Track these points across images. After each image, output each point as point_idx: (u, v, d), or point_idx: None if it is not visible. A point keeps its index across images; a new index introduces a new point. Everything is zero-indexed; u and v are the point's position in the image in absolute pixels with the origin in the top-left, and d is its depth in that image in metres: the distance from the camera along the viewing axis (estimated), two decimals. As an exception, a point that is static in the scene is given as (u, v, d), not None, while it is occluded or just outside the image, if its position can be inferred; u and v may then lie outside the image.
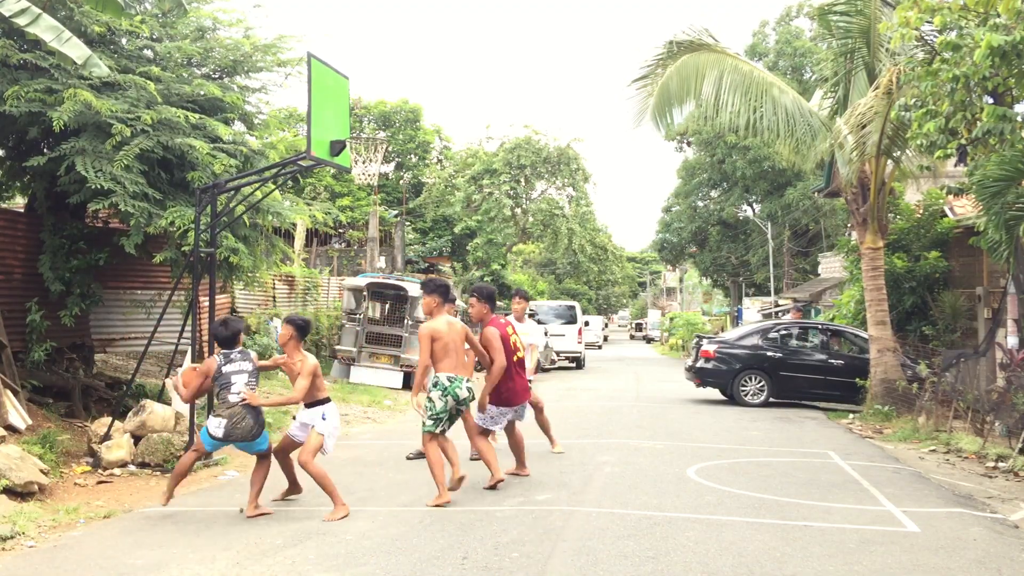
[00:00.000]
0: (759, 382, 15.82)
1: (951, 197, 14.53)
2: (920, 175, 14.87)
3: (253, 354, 6.92)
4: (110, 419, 8.70)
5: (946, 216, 16.23)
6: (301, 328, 6.85)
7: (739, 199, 43.49)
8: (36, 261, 9.92)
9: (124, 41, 10.04)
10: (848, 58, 14.32)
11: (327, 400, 6.94)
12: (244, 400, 6.55)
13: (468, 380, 7.26)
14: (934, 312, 15.49)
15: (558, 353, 27.62)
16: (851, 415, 14.12)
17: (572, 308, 29.62)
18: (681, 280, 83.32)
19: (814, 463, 9.42)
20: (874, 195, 14.14)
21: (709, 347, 16.51)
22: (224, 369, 6.61)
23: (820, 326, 17.43)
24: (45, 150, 9.47)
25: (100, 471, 8.20)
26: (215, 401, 7.09)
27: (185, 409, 8.82)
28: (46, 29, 7.16)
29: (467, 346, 7.44)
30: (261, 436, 6.73)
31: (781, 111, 14.01)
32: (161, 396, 9.81)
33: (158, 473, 8.34)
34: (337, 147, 8.83)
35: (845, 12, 13.96)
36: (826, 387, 15.67)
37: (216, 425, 6.53)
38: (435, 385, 7.12)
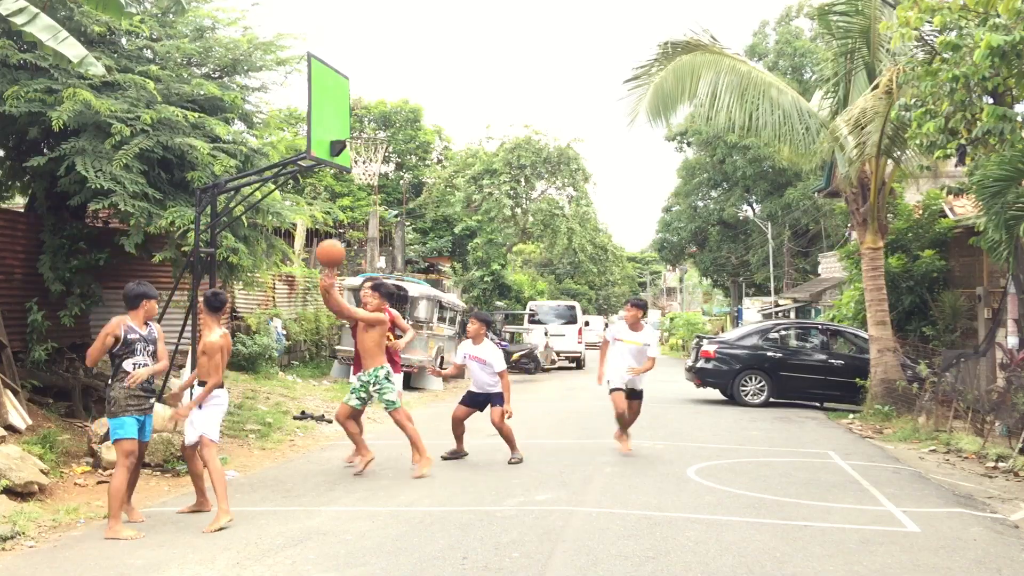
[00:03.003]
0: (759, 382, 15.82)
1: (951, 197, 14.55)
2: (920, 175, 14.90)
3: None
4: (110, 419, 8.68)
5: (946, 216, 16.24)
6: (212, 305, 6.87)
7: (739, 199, 43.48)
8: (36, 261, 9.91)
9: (124, 41, 10.03)
10: (848, 58, 14.32)
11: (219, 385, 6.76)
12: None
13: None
14: (934, 312, 15.49)
15: (558, 353, 27.61)
16: (851, 415, 14.11)
17: (572, 308, 29.61)
18: (681, 280, 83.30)
19: (814, 463, 9.43)
20: (874, 195, 14.14)
21: (709, 347, 16.51)
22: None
23: (820, 326, 17.43)
24: (45, 150, 9.46)
25: (100, 471, 8.20)
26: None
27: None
28: (43, 28, 7.14)
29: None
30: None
31: (779, 112, 13.99)
32: (161, 396, 9.80)
33: (158, 473, 8.35)
34: (337, 147, 8.83)
35: (845, 12, 13.96)
36: (826, 387, 15.67)
37: None
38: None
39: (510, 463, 8.86)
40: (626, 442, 9.82)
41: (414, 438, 8.33)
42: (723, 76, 14.03)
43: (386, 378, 8.31)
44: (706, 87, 14.02)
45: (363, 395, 8.37)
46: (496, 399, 9.10)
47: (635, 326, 9.73)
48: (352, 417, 8.44)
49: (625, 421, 9.74)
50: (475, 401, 9.22)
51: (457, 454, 9.28)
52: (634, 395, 9.77)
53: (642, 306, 9.96)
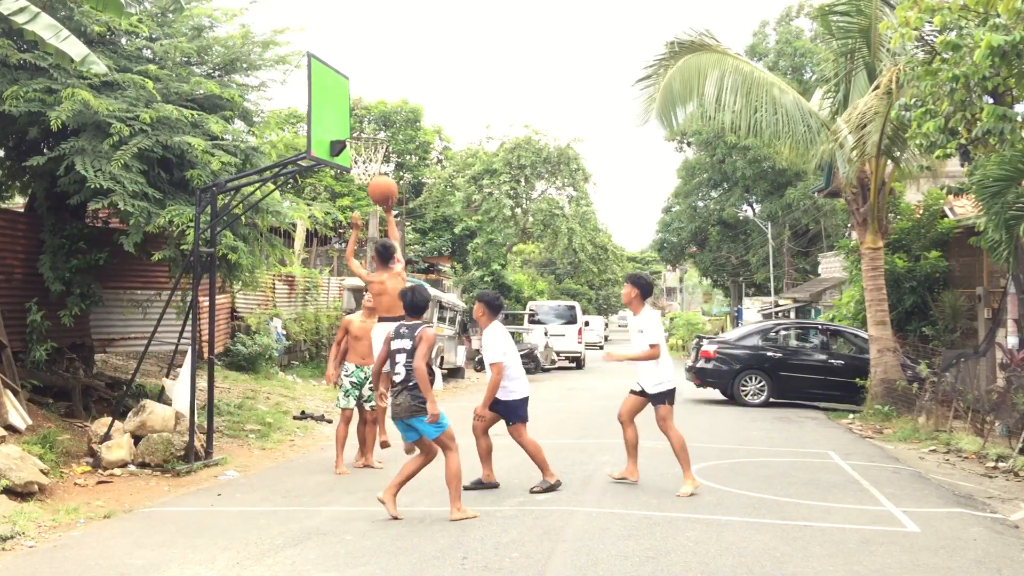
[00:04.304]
0: (759, 382, 15.82)
1: (951, 197, 14.55)
2: (920, 175, 14.90)
3: (424, 331, 6.44)
4: (110, 419, 8.69)
5: (946, 216, 16.24)
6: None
7: (739, 199, 43.44)
8: (36, 261, 9.91)
9: (124, 41, 10.03)
10: (848, 58, 14.32)
11: None
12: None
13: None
14: (934, 312, 15.49)
15: (558, 353, 27.63)
16: (851, 415, 14.11)
17: (572, 308, 29.63)
18: (681, 280, 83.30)
19: (814, 463, 9.42)
20: (874, 195, 14.14)
21: (709, 347, 16.51)
22: (392, 344, 6.52)
23: (820, 326, 17.43)
24: (45, 150, 9.46)
25: (100, 471, 8.20)
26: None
27: (185, 409, 8.81)
28: (44, 27, 7.15)
29: None
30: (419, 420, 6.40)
31: (782, 111, 14.00)
32: (161, 396, 9.80)
33: (158, 473, 8.33)
34: (337, 147, 8.83)
35: (845, 12, 13.96)
36: (826, 387, 15.67)
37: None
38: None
39: (532, 491, 7.40)
40: (629, 467, 8.03)
41: (368, 441, 8.83)
42: (727, 76, 14.05)
43: None
44: (712, 87, 14.04)
45: (358, 393, 8.68)
46: (511, 413, 7.48)
47: (633, 307, 7.78)
48: (350, 420, 8.79)
49: (627, 438, 7.99)
50: (494, 407, 7.55)
51: (482, 483, 7.59)
52: (645, 396, 7.78)
53: (637, 282, 7.80)
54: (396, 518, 6.43)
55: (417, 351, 6.37)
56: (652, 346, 7.56)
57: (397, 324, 6.66)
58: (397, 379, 6.43)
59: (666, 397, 7.70)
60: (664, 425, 7.71)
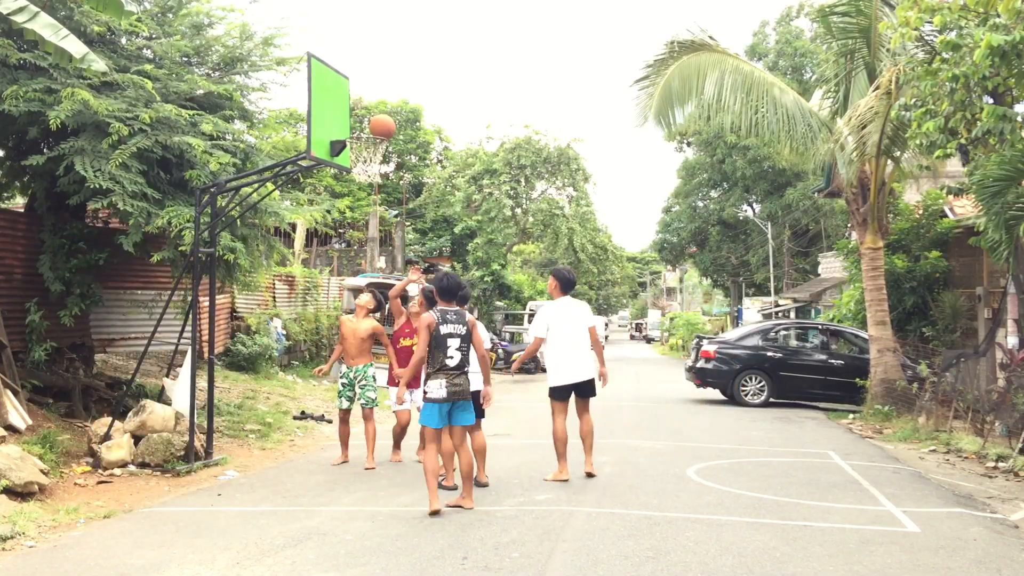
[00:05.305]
0: (759, 382, 15.82)
1: (951, 197, 14.55)
2: (920, 175, 14.89)
3: (470, 318, 6.81)
4: (110, 419, 8.69)
5: (946, 216, 16.24)
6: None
7: (739, 199, 43.46)
8: (36, 261, 9.91)
9: (123, 40, 10.02)
10: (848, 58, 14.32)
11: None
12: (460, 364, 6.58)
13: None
14: (934, 312, 15.49)
15: None
16: (851, 415, 14.11)
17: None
18: (681, 280, 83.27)
19: (814, 463, 9.42)
20: (874, 195, 14.14)
21: (709, 347, 16.52)
22: (441, 329, 6.55)
23: (820, 326, 17.42)
24: (45, 150, 9.45)
25: (100, 471, 8.20)
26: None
27: (185, 409, 8.81)
28: (44, 26, 7.15)
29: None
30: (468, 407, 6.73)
31: (782, 111, 14.01)
32: (161, 396, 9.81)
33: (158, 473, 8.33)
34: (337, 147, 8.84)
35: (845, 13, 13.96)
36: (826, 387, 15.67)
37: (437, 386, 6.53)
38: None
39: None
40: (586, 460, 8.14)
41: (369, 438, 8.91)
42: (727, 76, 14.06)
43: (373, 377, 8.94)
44: (712, 87, 14.05)
45: (350, 393, 8.89)
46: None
47: (553, 296, 8.37)
48: (349, 420, 9.06)
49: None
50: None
51: (476, 482, 7.50)
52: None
53: (557, 275, 8.27)
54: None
55: (475, 340, 6.74)
56: (536, 339, 8.16)
57: (440, 310, 6.68)
58: (451, 363, 6.53)
59: (551, 393, 8.06)
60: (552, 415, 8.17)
